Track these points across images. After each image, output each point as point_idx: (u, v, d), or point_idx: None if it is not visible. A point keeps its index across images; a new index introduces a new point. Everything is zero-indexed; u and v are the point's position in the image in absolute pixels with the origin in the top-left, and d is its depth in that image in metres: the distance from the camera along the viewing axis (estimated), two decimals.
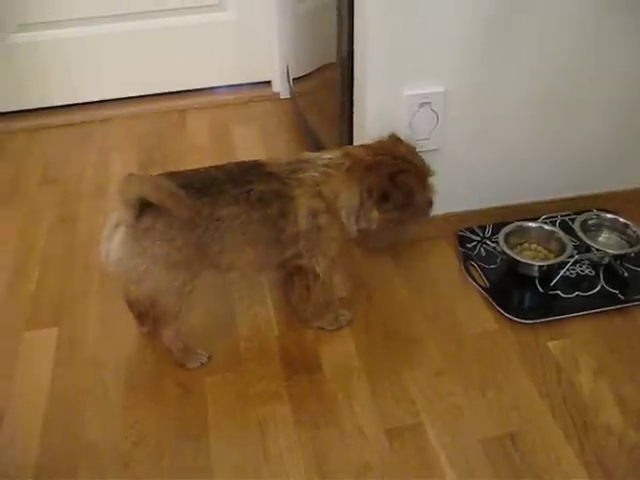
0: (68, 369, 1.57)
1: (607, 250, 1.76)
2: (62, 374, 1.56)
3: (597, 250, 1.75)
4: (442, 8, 1.60)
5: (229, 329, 1.66)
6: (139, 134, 2.52)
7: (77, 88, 2.62)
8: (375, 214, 1.51)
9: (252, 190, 1.44)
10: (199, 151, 2.40)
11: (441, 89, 1.71)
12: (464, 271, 1.80)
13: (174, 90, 2.71)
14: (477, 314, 1.68)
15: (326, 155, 1.54)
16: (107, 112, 2.63)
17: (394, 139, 1.56)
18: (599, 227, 1.87)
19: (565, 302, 1.69)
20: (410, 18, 1.60)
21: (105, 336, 1.65)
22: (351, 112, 1.84)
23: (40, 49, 2.53)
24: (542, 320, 1.64)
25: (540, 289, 1.71)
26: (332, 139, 2.01)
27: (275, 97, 2.71)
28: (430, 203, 1.58)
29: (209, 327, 1.67)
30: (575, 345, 1.59)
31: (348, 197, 1.49)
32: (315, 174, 1.49)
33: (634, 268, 1.77)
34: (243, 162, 1.53)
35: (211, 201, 1.41)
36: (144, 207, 1.37)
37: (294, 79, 2.47)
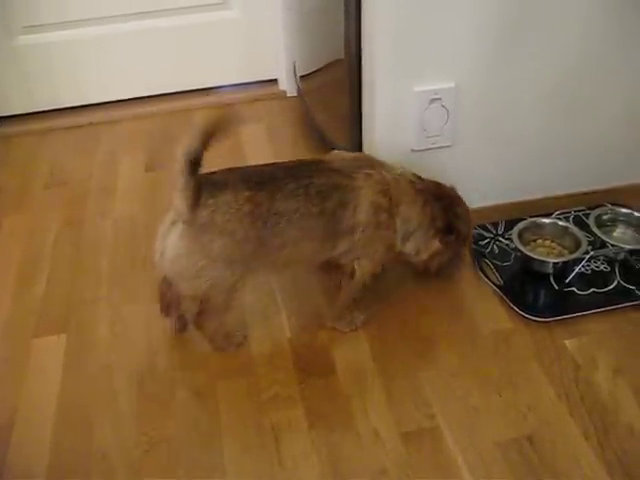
0: (78, 376, 1.55)
1: (623, 245, 1.73)
2: (72, 381, 1.54)
3: (612, 245, 1.72)
4: (452, 2, 1.57)
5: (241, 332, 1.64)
6: (146, 135, 2.50)
7: (84, 90, 2.60)
8: (436, 244, 1.54)
9: (311, 184, 1.42)
10: (207, 151, 2.36)
11: (452, 84, 1.68)
12: (477, 269, 1.77)
13: (180, 90, 2.68)
14: (491, 313, 1.65)
15: (400, 169, 1.54)
16: (114, 113, 2.61)
17: (437, 182, 1.58)
18: (614, 222, 1.84)
19: (581, 299, 1.66)
20: (419, 12, 1.57)
21: (115, 342, 1.63)
22: (360, 109, 1.82)
23: (46, 51, 2.51)
24: (558, 318, 1.61)
25: (555, 286, 1.69)
26: (341, 137, 1.99)
27: (282, 95, 2.68)
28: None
29: None
30: (592, 343, 1.56)
31: (408, 212, 1.50)
32: (387, 175, 1.49)
33: None
34: (304, 159, 1.54)
35: (269, 195, 1.39)
36: (200, 197, 1.36)
37: (301, 77, 2.44)
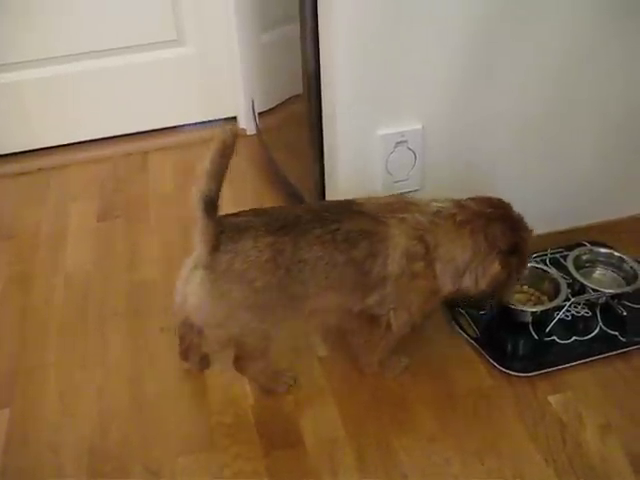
0: (21, 456, 1.41)
1: (604, 290, 1.64)
2: (14, 463, 1.39)
3: (593, 290, 1.63)
4: (414, 38, 1.50)
5: (199, 401, 1.51)
6: (99, 180, 2.37)
7: (32, 133, 2.48)
8: (496, 267, 1.40)
9: (338, 229, 1.33)
10: (163, 195, 2.24)
11: (418, 126, 1.60)
12: (452, 320, 1.67)
13: (134, 131, 2.57)
14: (469, 369, 1.55)
15: (437, 203, 1.43)
16: (65, 158, 2.48)
17: (488, 202, 1.45)
18: (593, 263, 1.76)
19: (562, 349, 1.57)
20: (381, 50, 1.50)
21: (64, 415, 1.49)
22: (321, 149, 1.73)
23: None
24: (540, 372, 1.51)
25: (535, 336, 1.59)
26: (302, 179, 1.89)
27: (241, 133, 2.57)
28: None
29: (178, 400, 1.52)
30: (577, 398, 1.47)
31: (452, 250, 1.39)
32: (422, 218, 1.39)
33: (633, 306, 1.65)
34: (333, 201, 1.47)
35: (293, 241, 1.31)
36: (221, 241, 1.29)
37: (259, 114, 2.35)
